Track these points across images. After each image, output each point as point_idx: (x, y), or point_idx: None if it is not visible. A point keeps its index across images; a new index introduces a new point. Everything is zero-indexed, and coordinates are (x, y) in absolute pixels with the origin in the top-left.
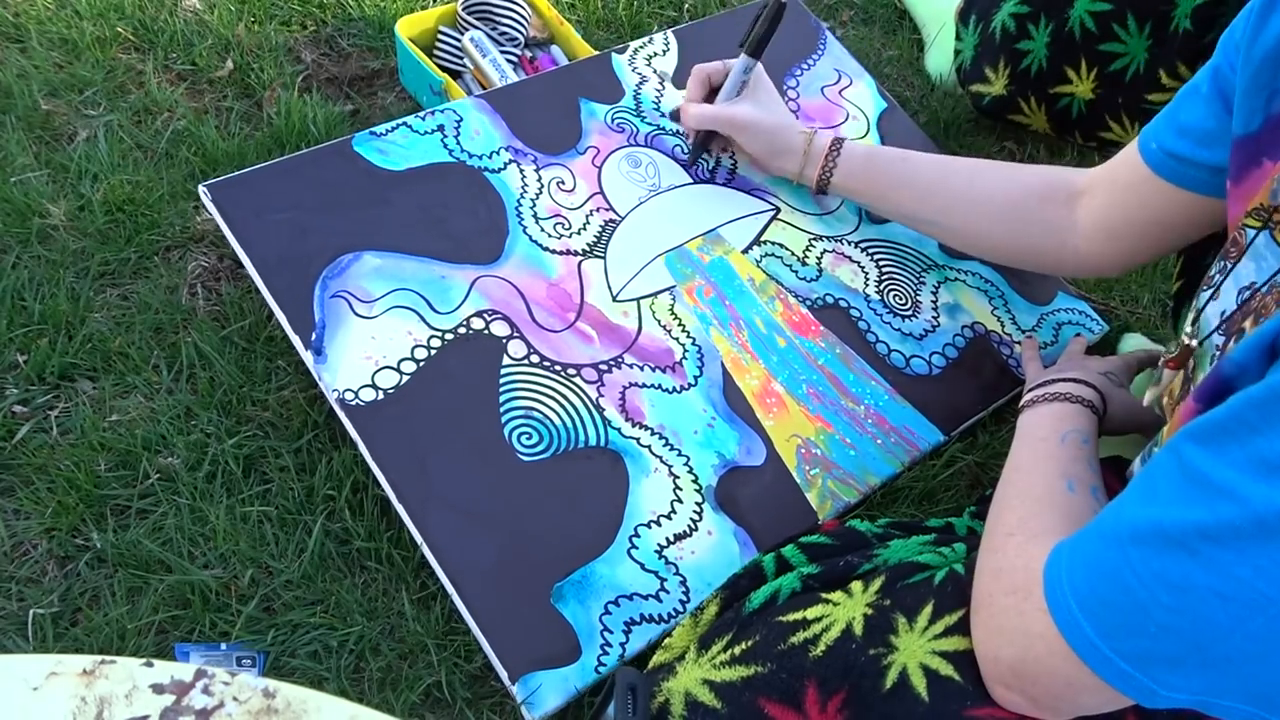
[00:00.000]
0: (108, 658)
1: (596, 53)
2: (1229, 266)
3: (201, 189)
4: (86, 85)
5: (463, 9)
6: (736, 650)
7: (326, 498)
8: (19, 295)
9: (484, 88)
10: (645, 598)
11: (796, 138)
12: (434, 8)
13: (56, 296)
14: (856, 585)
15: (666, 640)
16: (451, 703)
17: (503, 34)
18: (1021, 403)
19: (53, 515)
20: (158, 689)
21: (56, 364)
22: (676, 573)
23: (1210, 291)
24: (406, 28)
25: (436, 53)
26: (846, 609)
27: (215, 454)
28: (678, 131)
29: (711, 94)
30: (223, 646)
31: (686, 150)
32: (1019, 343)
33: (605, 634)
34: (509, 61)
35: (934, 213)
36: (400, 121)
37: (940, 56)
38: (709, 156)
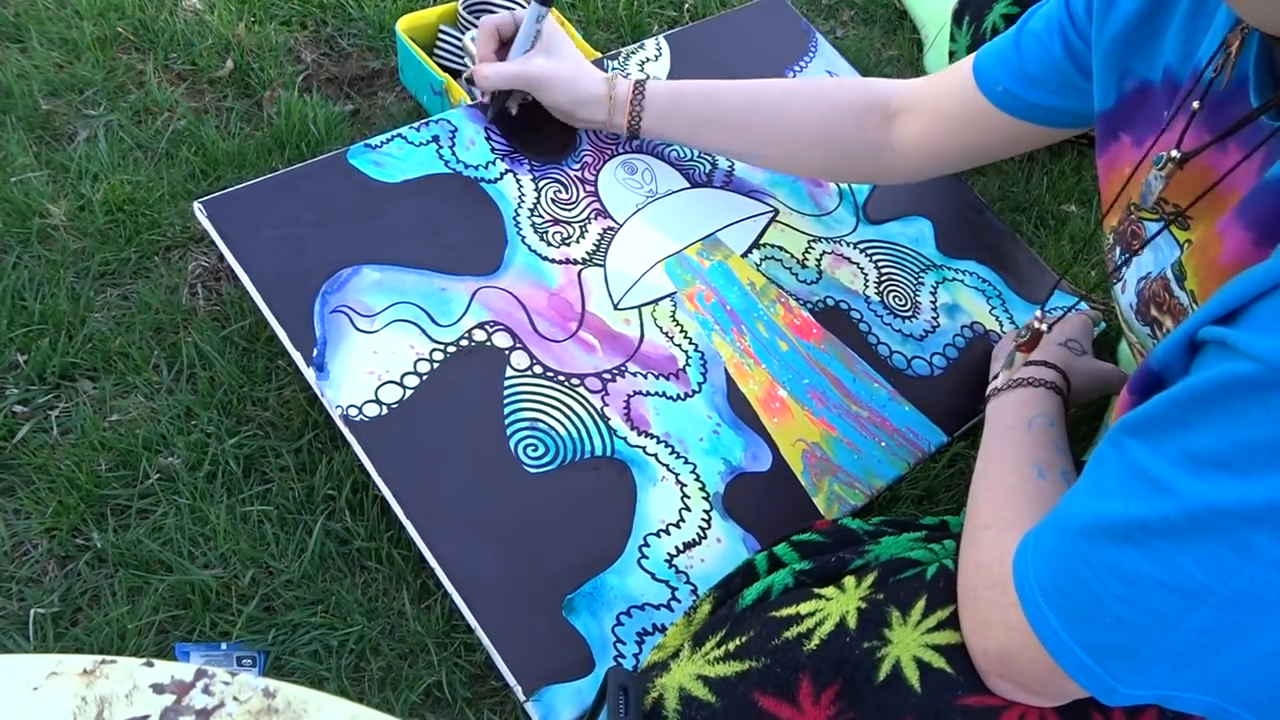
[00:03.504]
0: (108, 657)
1: (596, 54)
2: (1130, 258)
3: (196, 205)
4: (87, 85)
5: (463, 8)
6: (730, 646)
7: (327, 497)
8: (19, 295)
9: None
10: (657, 607)
11: (597, 86)
12: (434, 7)
13: (57, 296)
14: (849, 580)
15: (661, 640)
16: (452, 702)
17: None
18: (988, 391)
19: (53, 515)
20: (158, 689)
21: (57, 364)
22: (687, 581)
23: (1119, 284)
24: (407, 26)
25: (437, 52)
26: (840, 603)
27: (215, 454)
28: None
29: (503, 48)
30: (223, 646)
31: (488, 113)
32: None
33: (618, 645)
34: None
35: (748, 146)
36: (395, 133)
37: (939, 57)
38: (510, 108)
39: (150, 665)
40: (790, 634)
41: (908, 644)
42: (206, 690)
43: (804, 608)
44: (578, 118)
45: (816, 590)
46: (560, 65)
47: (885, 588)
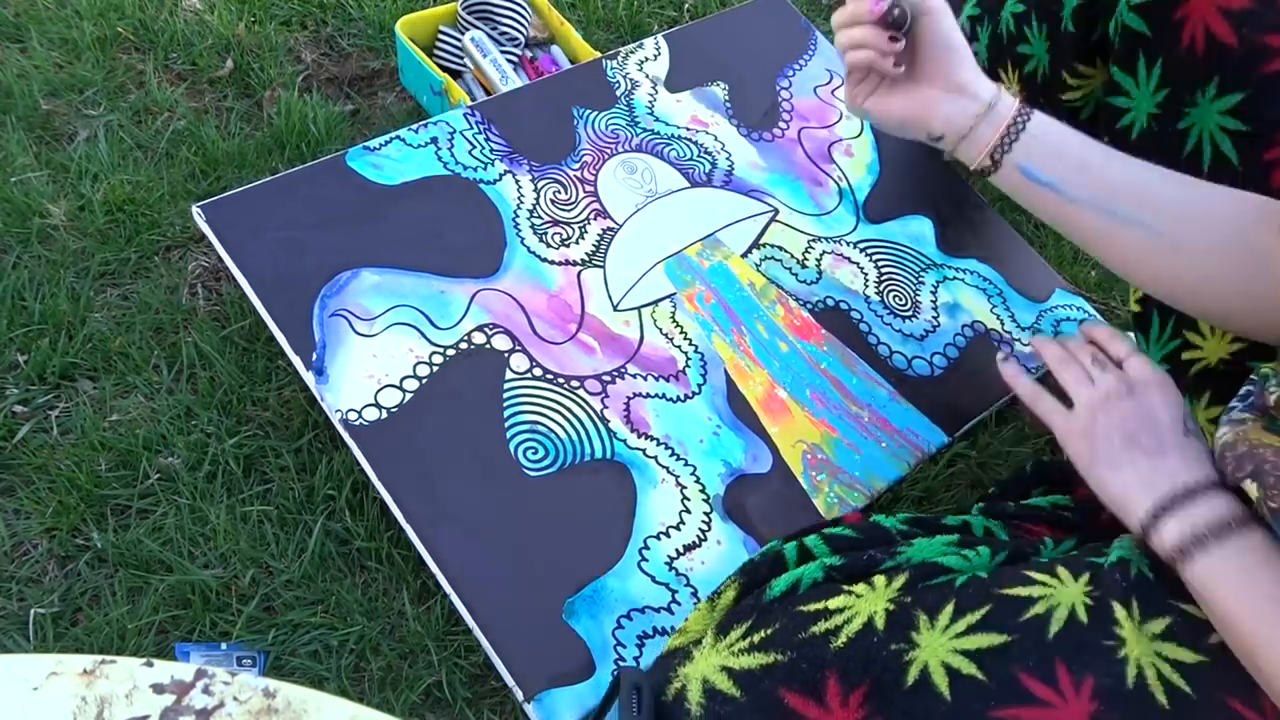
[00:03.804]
0: (108, 657)
1: (595, 54)
2: None
3: (195, 210)
4: (87, 85)
5: (463, 9)
6: (756, 638)
7: (327, 497)
8: (19, 295)
9: (484, 88)
10: (657, 610)
11: (982, 83)
12: (434, 7)
13: (57, 296)
14: (879, 579)
15: (682, 624)
16: (452, 702)
17: (503, 34)
18: (1162, 542)
19: (53, 515)
20: (158, 689)
21: (57, 364)
22: (687, 584)
23: None
24: (407, 27)
25: (437, 52)
26: (869, 602)
27: (215, 454)
28: (672, 136)
29: None
30: (223, 646)
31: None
32: (1018, 340)
33: (619, 648)
34: (509, 61)
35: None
36: (393, 135)
37: None
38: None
39: (150, 665)
40: (818, 629)
41: (935, 649)
42: (206, 690)
43: (833, 603)
44: (935, 109)
45: (846, 587)
46: (956, 33)
47: (914, 592)
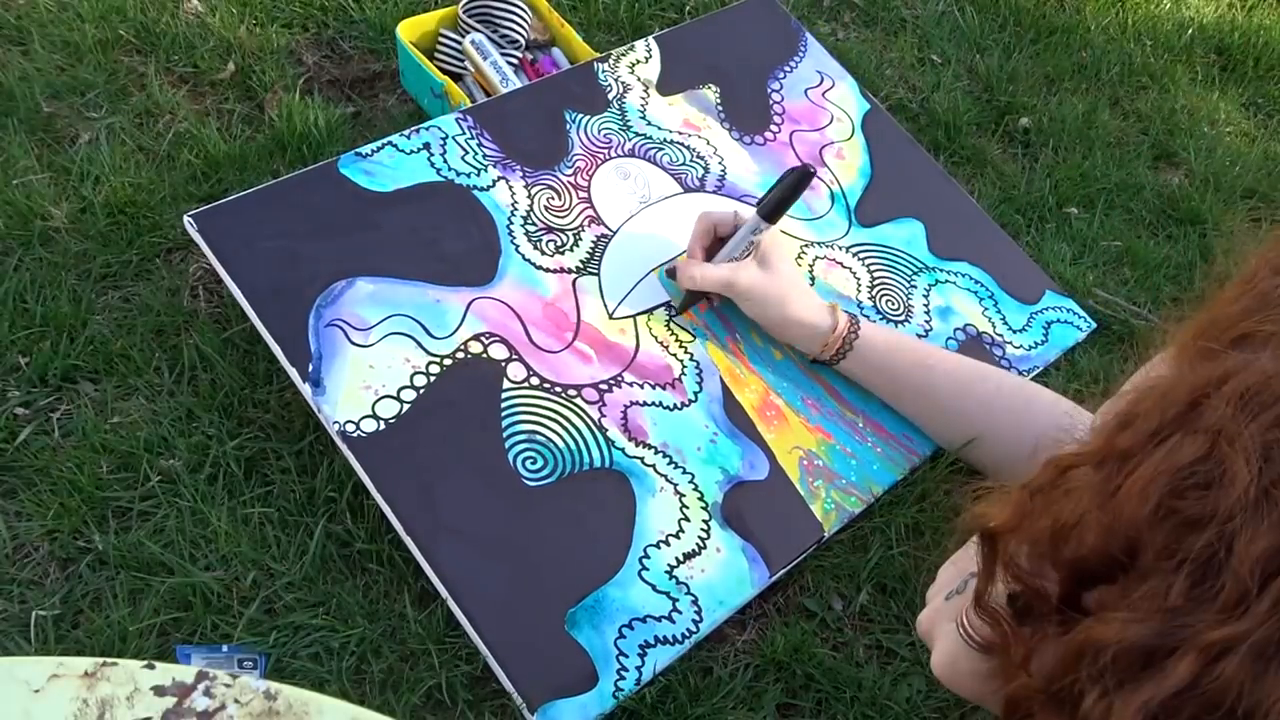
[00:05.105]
0: (109, 660)
1: (592, 55)
2: None
3: (187, 219)
4: (88, 88)
5: (464, 11)
6: None
7: (328, 499)
8: (21, 298)
9: (485, 90)
10: (658, 619)
11: (810, 314)
12: (435, 10)
13: (58, 299)
14: None
15: None
16: (453, 705)
17: (503, 36)
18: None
19: (54, 517)
20: (159, 691)
21: (58, 366)
22: (688, 592)
23: None
24: (407, 30)
25: (437, 55)
26: None
27: (216, 456)
28: (664, 140)
29: (716, 244)
30: (224, 648)
31: (676, 298)
32: (1010, 343)
33: (621, 658)
34: (510, 64)
35: (939, 427)
36: (386, 141)
37: None
38: (701, 305)
39: (151, 667)
40: None
41: None
42: (208, 693)
43: None
44: (779, 338)
45: None
46: (772, 281)
47: None
